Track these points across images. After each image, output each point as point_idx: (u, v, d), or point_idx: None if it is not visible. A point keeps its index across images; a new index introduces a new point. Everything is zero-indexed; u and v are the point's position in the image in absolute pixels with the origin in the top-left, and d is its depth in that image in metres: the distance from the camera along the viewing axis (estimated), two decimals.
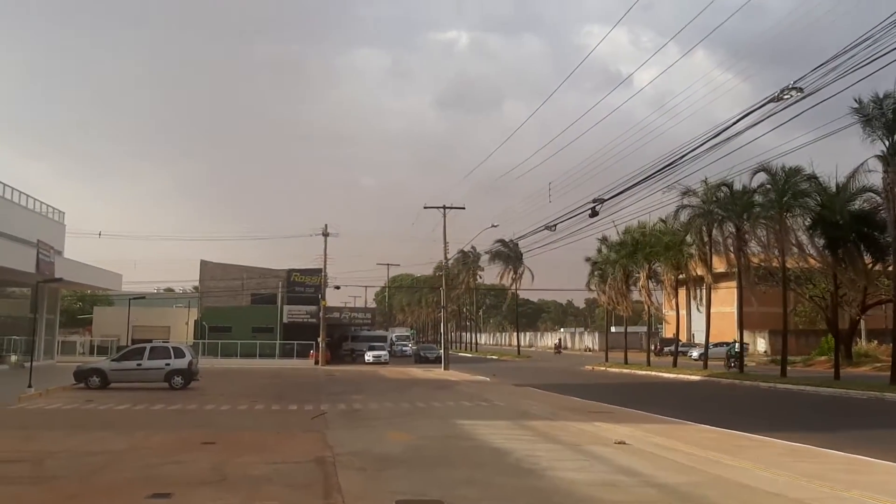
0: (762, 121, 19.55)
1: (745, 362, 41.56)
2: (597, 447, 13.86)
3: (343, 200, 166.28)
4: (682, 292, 52.72)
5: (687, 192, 40.58)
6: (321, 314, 55.01)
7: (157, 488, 9.68)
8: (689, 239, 44.98)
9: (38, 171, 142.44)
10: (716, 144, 21.64)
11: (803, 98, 17.33)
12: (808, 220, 36.10)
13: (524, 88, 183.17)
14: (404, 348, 74.52)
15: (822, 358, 48.19)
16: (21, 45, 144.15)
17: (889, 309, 45.81)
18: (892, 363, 30.45)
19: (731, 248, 40.68)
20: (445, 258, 52.44)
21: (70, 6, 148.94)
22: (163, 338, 54.48)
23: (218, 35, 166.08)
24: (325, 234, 54.70)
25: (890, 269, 35.82)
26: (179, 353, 29.39)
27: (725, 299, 58.67)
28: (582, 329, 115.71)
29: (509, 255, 76.90)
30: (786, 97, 17.44)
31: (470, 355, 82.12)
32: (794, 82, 17.18)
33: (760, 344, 65.01)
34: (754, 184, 37.74)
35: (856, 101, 28.50)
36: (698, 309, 53.65)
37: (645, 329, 63.73)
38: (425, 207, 49.15)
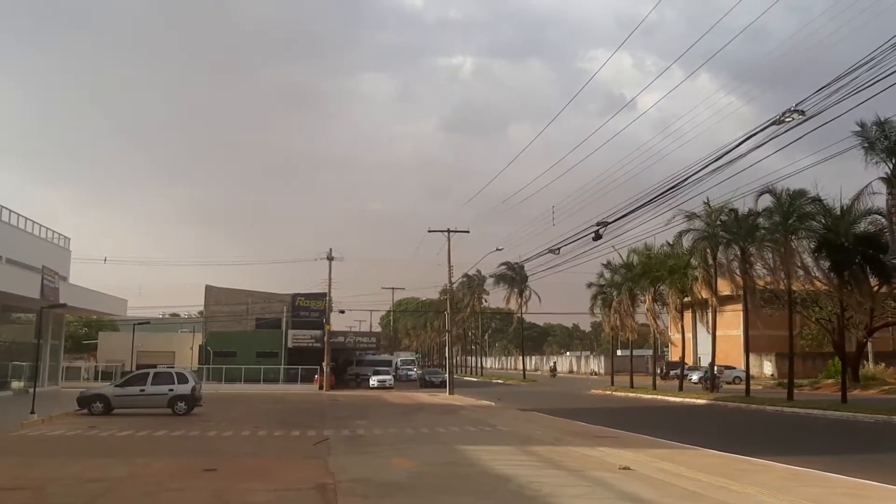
0: (765, 143, 19.55)
1: (751, 385, 41.19)
2: (601, 473, 13.71)
3: (348, 225, 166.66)
4: (688, 315, 52.51)
5: (691, 217, 40.60)
6: (326, 339, 54.89)
7: None
8: (693, 262, 44.85)
9: (46, 198, 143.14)
10: (719, 167, 21.62)
11: (805, 121, 17.34)
12: (814, 242, 35.97)
13: (529, 112, 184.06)
14: (409, 373, 74.29)
15: (830, 381, 47.82)
16: (31, 76, 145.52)
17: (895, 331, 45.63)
18: None
19: (737, 271, 40.56)
20: (450, 282, 52.42)
21: (79, 37, 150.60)
22: (168, 363, 54.40)
23: (226, 62, 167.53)
24: (330, 259, 54.72)
25: None
26: (183, 379, 29.34)
27: (731, 322, 58.36)
28: (588, 352, 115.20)
29: (514, 278, 76.76)
30: (787, 120, 17.43)
31: (475, 379, 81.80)
32: (796, 105, 17.18)
33: (767, 367, 64.56)
34: (759, 206, 37.70)
35: (858, 125, 28.51)
36: (708, 332, 53.42)
37: (651, 352, 63.38)
38: (430, 231, 49.29)
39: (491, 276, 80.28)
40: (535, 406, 34.31)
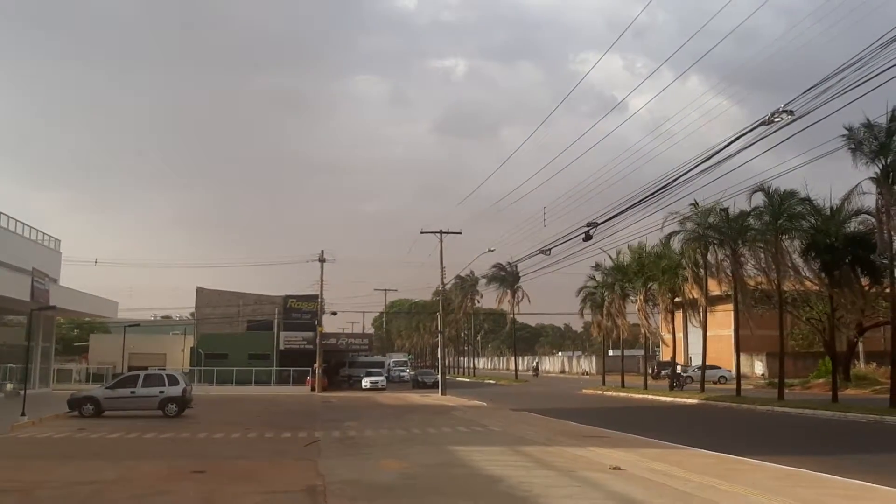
0: (754, 143, 19.59)
1: (742, 385, 41.28)
2: (591, 473, 13.71)
3: (341, 227, 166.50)
4: (679, 315, 52.60)
5: (683, 221, 40.79)
6: (318, 340, 54.77)
7: None
8: (684, 262, 44.94)
9: (37, 201, 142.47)
10: (708, 167, 21.66)
11: (794, 121, 17.37)
12: (804, 242, 36.06)
13: (522, 114, 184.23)
14: (402, 374, 74.20)
15: (820, 380, 47.93)
16: (23, 78, 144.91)
17: (887, 331, 45.71)
18: (892, 386, 30.23)
19: (727, 272, 40.67)
20: (442, 283, 52.44)
21: (71, 40, 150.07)
22: (159, 365, 54.22)
23: (219, 65, 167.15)
24: (322, 260, 54.60)
25: (887, 290, 35.73)
26: (173, 381, 29.24)
27: (723, 322, 58.46)
28: (579, 353, 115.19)
29: (506, 278, 76.76)
30: (777, 120, 17.46)
31: (468, 380, 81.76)
32: (785, 105, 17.23)
33: (758, 367, 64.72)
34: (751, 205, 37.75)
35: (846, 128, 28.58)
36: (698, 327, 53.47)
37: (642, 352, 63.50)
38: (422, 232, 49.28)
39: (483, 277, 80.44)
40: (526, 406, 34.32)
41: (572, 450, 17.27)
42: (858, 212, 33.53)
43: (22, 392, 26.14)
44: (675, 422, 29.16)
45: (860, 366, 52.14)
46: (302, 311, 64.86)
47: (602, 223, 28.21)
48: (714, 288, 45.82)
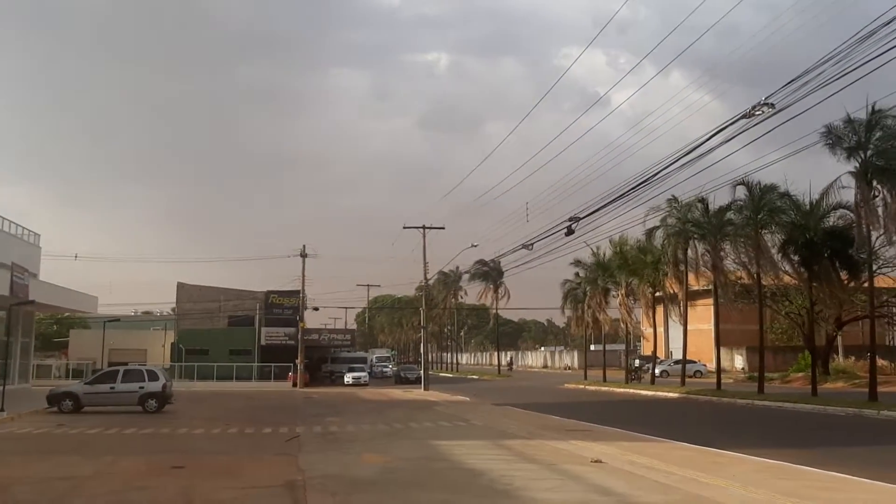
0: (734, 137, 19.66)
1: (722, 379, 41.56)
2: (573, 466, 13.71)
3: (323, 222, 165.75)
4: (660, 310, 52.84)
5: (664, 218, 41.01)
6: (299, 336, 54.56)
7: None
8: (664, 257, 45.14)
9: (16, 195, 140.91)
10: (689, 161, 21.70)
11: (775, 114, 17.43)
12: (783, 237, 36.27)
13: (505, 109, 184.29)
14: (384, 369, 74.03)
15: (800, 374, 48.32)
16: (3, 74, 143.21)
17: (865, 325, 46.19)
18: (870, 379, 30.54)
19: (707, 266, 40.87)
20: (426, 278, 52.32)
21: (47, 34, 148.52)
22: (140, 361, 53.79)
23: (197, 59, 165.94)
24: (304, 256, 54.37)
25: (865, 285, 36.05)
26: (153, 376, 29.04)
27: (703, 316, 58.92)
28: (562, 348, 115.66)
29: (489, 274, 76.84)
30: (757, 113, 17.53)
31: (451, 375, 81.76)
32: (766, 98, 17.30)
33: (738, 360, 65.24)
34: (733, 198, 37.94)
35: (825, 127, 28.73)
36: (680, 322, 53.80)
37: (623, 347, 63.81)
38: (405, 227, 49.19)
39: (466, 273, 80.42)
40: (509, 401, 34.34)
41: (554, 443, 17.28)
42: (837, 206, 33.75)
43: (1, 387, 25.85)
44: (655, 415, 29.27)
45: (839, 360, 52.65)
46: (284, 307, 64.62)
47: (584, 217, 28.26)
48: (694, 283, 46.06)
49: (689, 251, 42.02)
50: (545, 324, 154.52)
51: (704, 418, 27.99)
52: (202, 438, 19.84)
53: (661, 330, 55.10)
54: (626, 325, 53.61)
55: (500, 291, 79.25)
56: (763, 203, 35.70)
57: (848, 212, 33.19)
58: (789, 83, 16.96)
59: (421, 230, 48.77)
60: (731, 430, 23.57)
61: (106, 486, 12.01)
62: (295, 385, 51.47)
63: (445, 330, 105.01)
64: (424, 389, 46.02)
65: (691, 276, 44.40)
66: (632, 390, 44.36)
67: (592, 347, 73.77)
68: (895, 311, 51.29)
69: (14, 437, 20.37)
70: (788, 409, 29.63)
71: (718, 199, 39.00)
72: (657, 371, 55.94)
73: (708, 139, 19.98)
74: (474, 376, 75.52)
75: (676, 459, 14.42)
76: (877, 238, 32.95)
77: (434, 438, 18.87)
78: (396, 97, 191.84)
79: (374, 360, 78.11)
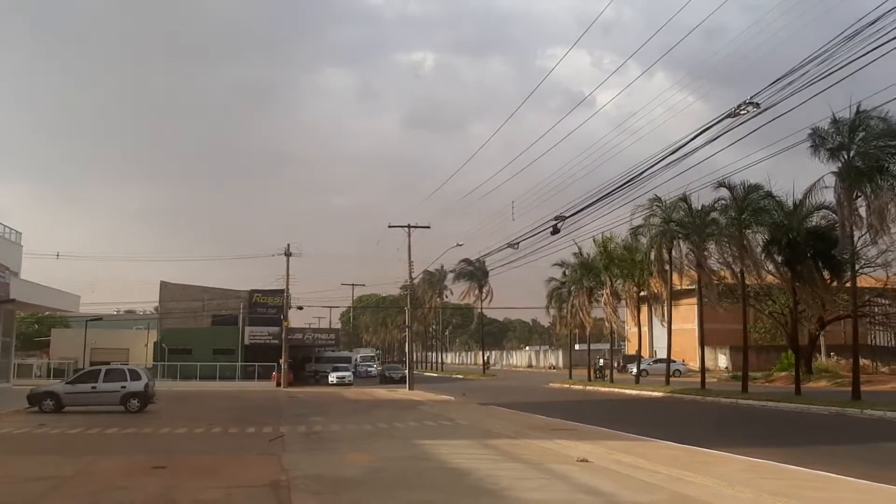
0: (719, 136, 19.70)
1: (706, 378, 41.67)
2: (559, 465, 13.66)
3: (308, 221, 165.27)
4: (644, 309, 52.99)
5: (649, 215, 41.10)
6: (283, 335, 54.28)
7: None
8: (649, 257, 45.23)
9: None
10: (675, 160, 21.73)
11: (760, 113, 17.47)
12: (767, 236, 36.39)
13: (490, 109, 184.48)
14: (369, 369, 73.89)
15: (783, 373, 48.57)
16: None
17: (847, 324, 46.49)
18: (853, 378, 30.71)
19: (691, 266, 40.98)
20: (410, 277, 52.19)
21: (34, 32, 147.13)
22: (122, 360, 53.38)
23: (185, 58, 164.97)
24: (288, 254, 54.07)
25: (848, 285, 36.24)
26: (136, 376, 28.78)
27: (687, 316, 59.14)
28: (546, 347, 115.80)
29: (474, 273, 76.76)
30: (742, 112, 17.55)
31: (436, 375, 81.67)
32: (751, 98, 17.32)
33: (721, 360, 65.47)
34: (713, 202, 38.06)
35: (811, 129, 28.82)
36: (662, 324, 53.99)
37: (608, 346, 63.95)
38: (390, 226, 49.04)
39: (451, 272, 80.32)
40: (494, 400, 34.29)
41: (539, 443, 17.22)
42: (820, 207, 33.91)
43: None
44: (640, 414, 29.32)
45: (822, 359, 52.94)
46: (268, 306, 64.30)
47: (569, 217, 28.26)
48: (678, 282, 46.18)
49: (674, 251, 42.09)
50: (530, 323, 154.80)
51: (689, 417, 28.02)
52: (185, 438, 19.65)
53: (645, 329, 55.26)
54: (611, 324, 53.69)
55: (484, 291, 79.16)
56: (747, 203, 35.82)
57: (831, 212, 33.36)
58: (774, 83, 17.02)
59: (406, 229, 48.64)
60: (717, 429, 23.62)
61: (86, 486, 11.83)
62: (279, 385, 51.21)
63: (430, 329, 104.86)
64: (409, 389, 45.89)
65: (675, 276, 44.51)
66: (616, 389, 44.43)
67: (577, 347, 73.89)
68: (877, 310, 51.61)
69: None
70: (772, 408, 29.74)
71: (703, 199, 39.20)
72: (634, 370, 56.24)
73: (693, 138, 20.04)
74: (459, 376, 75.45)
75: (662, 458, 14.39)
76: (859, 238, 33.15)
77: (419, 438, 18.77)
78: (383, 96, 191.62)
79: (359, 359, 77.95)
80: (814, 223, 35.08)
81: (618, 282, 50.45)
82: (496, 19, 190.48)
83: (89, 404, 27.97)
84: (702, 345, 43.27)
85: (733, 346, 59.42)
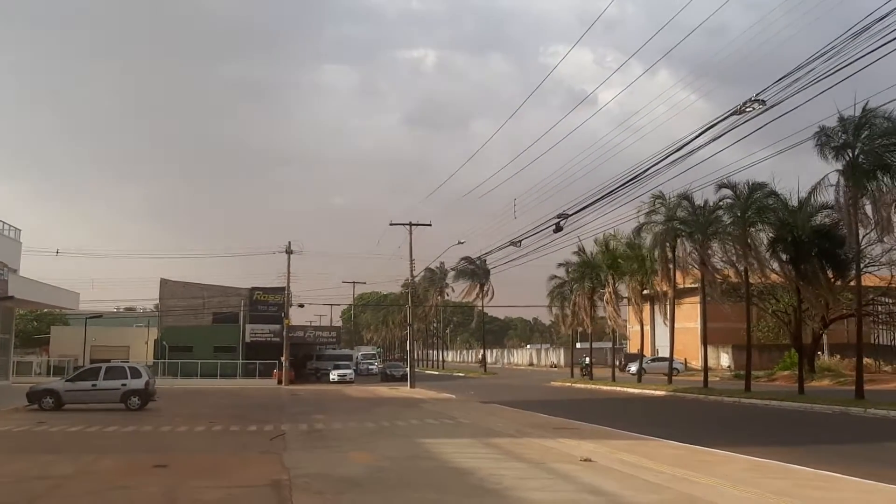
0: (724, 134, 19.57)
1: (709, 377, 41.56)
2: (562, 465, 13.53)
3: (310, 219, 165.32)
4: (646, 308, 52.86)
5: (650, 212, 40.97)
6: (284, 333, 54.21)
7: None
8: (652, 255, 45.11)
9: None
10: (678, 159, 21.60)
11: (765, 110, 17.33)
12: (771, 235, 36.25)
13: (492, 107, 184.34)
14: (370, 367, 73.87)
15: (786, 372, 48.46)
16: None
17: (850, 323, 46.39)
18: (857, 377, 30.58)
19: (695, 264, 40.84)
20: (412, 275, 52.13)
21: (31, 31, 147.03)
22: (122, 358, 53.35)
23: (184, 56, 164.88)
24: (289, 252, 54.02)
25: (852, 283, 36.11)
26: (136, 373, 28.67)
27: (690, 314, 59.02)
28: (548, 345, 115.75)
29: (475, 271, 76.64)
30: (748, 109, 17.41)
31: (437, 373, 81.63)
32: (757, 94, 17.19)
33: (724, 359, 65.40)
34: (717, 200, 37.92)
35: (819, 128, 28.69)
36: (665, 324, 53.91)
37: (610, 345, 63.86)
38: (391, 224, 49.01)
39: (453, 270, 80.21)
40: (496, 399, 34.21)
41: (542, 441, 17.11)
42: (825, 206, 33.74)
43: None
44: (643, 413, 29.19)
45: (824, 358, 52.86)
46: (269, 304, 64.17)
47: (572, 214, 28.14)
48: (681, 281, 46.08)
49: (677, 249, 41.94)
50: (531, 321, 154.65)
51: (692, 416, 27.89)
52: (185, 436, 19.54)
53: (647, 328, 55.16)
54: (613, 322, 53.60)
55: (485, 288, 79.04)
56: (751, 201, 35.68)
57: (833, 212, 33.19)
58: (780, 80, 16.90)
59: (407, 227, 48.56)
60: (720, 428, 23.49)
61: (86, 485, 11.72)
62: (280, 382, 51.18)
63: (431, 327, 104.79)
64: (410, 387, 45.82)
65: (678, 274, 44.38)
66: (619, 388, 44.32)
67: (579, 345, 73.80)
68: (881, 309, 51.54)
69: None
70: (776, 407, 29.62)
71: (706, 197, 39.01)
72: (633, 369, 56.22)
73: (698, 136, 19.90)
74: (460, 374, 75.39)
75: (666, 458, 14.27)
76: (863, 236, 33.03)
77: (421, 436, 18.66)
78: (384, 94, 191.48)
79: (360, 357, 77.94)
80: (818, 222, 34.93)
81: (621, 280, 50.34)
82: (498, 16, 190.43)
83: (89, 402, 27.85)
84: (704, 343, 43.15)
85: (736, 344, 59.32)
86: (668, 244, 42.03)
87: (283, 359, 52.69)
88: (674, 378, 47.79)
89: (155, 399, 29.12)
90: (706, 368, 41.80)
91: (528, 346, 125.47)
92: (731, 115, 18.09)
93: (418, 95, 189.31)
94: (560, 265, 56.33)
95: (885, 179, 28.50)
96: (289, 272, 54.57)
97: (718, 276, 41.70)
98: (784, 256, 35.94)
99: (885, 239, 32.31)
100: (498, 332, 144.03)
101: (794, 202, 34.95)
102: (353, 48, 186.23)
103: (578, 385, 48.91)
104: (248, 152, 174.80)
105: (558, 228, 29.12)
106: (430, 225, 49.68)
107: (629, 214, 39.54)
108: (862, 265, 36.43)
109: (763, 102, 17.07)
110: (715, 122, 19.32)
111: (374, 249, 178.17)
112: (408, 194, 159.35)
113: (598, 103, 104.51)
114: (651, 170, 23.21)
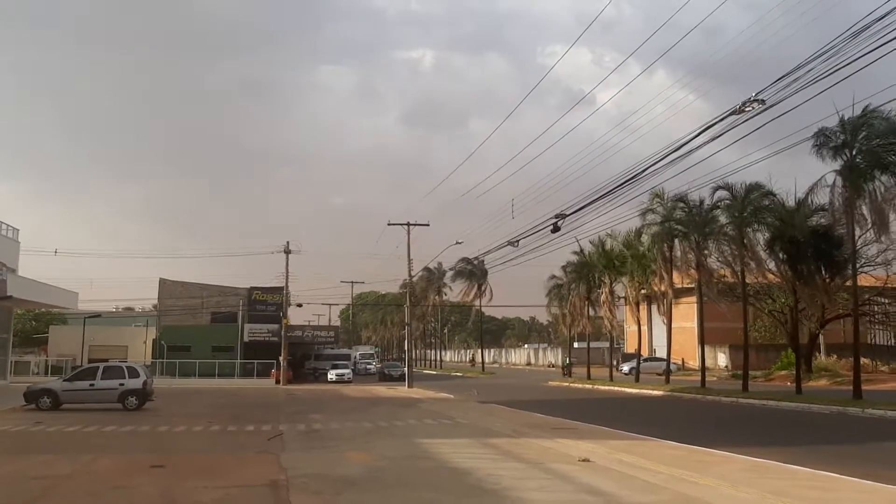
0: (722, 134, 19.56)
1: (706, 377, 41.56)
2: (560, 465, 13.53)
3: (308, 219, 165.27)
4: (644, 308, 52.83)
5: (647, 211, 40.97)
6: (283, 333, 54.18)
7: None
8: (650, 255, 45.10)
9: None
10: (676, 159, 21.59)
11: (765, 110, 17.33)
12: (768, 235, 36.27)
13: (490, 107, 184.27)
14: (368, 366, 73.86)
15: (783, 372, 48.50)
16: None
17: (847, 323, 46.43)
18: (854, 378, 30.60)
19: (692, 264, 40.83)
20: (410, 275, 52.14)
21: (30, 30, 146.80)
22: (120, 357, 53.25)
23: (182, 55, 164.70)
24: (287, 252, 54.02)
25: (848, 283, 36.13)
26: (134, 373, 28.61)
27: (687, 314, 59.02)
28: (545, 345, 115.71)
29: (473, 271, 76.59)
30: (747, 109, 17.40)
31: (434, 372, 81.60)
32: (756, 94, 17.17)
33: (721, 358, 65.39)
34: (714, 200, 37.93)
35: (819, 130, 28.71)
36: (663, 322, 53.89)
37: (607, 345, 63.84)
38: (389, 224, 48.95)
39: (450, 270, 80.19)
40: (494, 398, 34.19)
41: (540, 441, 17.10)
42: (822, 208, 33.72)
43: None
44: (641, 413, 29.20)
45: (821, 358, 52.86)
46: (267, 304, 64.08)
47: (570, 214, 28.13)
48: (678, 281, 46.10)
49: (674, 249, 41.93)
50: (529, 321, 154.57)
51: (690, 416, 27.91)
52: (184, 436, 19.52)
53: (644, 328, 55.15)
54: (610, 322, 53.59)
55: (483, 288, 78.99)
56: (748, 202, 35.71)
57: (830, 212, 33.17)
58: (778, 80, 16.87)
59: (406, 227, 48.52)
60: (718, 428, 23.49)
61: (83, 486, 11.71)
62: (278, 382, 51.15)
63: (429, 327, 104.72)
64: (408, 387, 45.79)
65: (675, 274, 44.38)
66: (616, 388, 44.33)
67: (576, 345, 73.76)
68: (877, 309, 51.57)
69: None
70: (773, 407, 29.64)
71: (703, 197, 38.99)
72: (626, 369, 56.24)
73: (696, 136, 19.88)
74: (458, 373, 75.36)
75: (664, 458, 14.27)
76: (860, 236, 33.03)
77: (419, 436, 18.65)
78: (383, 94, 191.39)
79: (358, 356, 77.88)
80: (815, 222, 34.94)
81: (618, 280, 50.33)
82: (496, 16, 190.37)
83: (87, 402, 27.79)
84: (702, 343, 43.16)
85: (733, 344, 59.40)
86: (666, 243, 42.02)
87: (281, 358, 52.66)
88: (673, 377, 47.81)
89: (153, 399, 29.07)
90: (703, 368, 41.79)
91: (526, 345, 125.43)
92: (730, 114, 18.09)
93: (416, 95, 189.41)
94: (563, 267, 56.29)
95: (882, 178, 28.55)
96: (287, 272, 54.62)
97: (715, 277, 41.70)
98: (781, 256, 35.96)
99: (882, 238, 32.27)
100: (496, 332, 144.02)
101: (792, 202, 34.99)
102: (352, 48, 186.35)
103: (576, 385, 48.91)
104: (247, 152, 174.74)
105: (556, 228, 29.09)
106: (427, 225, 49.71)
107: (628, 214, 39.62)
108: (858, 265, 36.44)
109: (762, 102, 17.04)
110: (714, 121, 19.31)
111: (373, 249, 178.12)
112: (406, 194, 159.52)
113: (595, 103, 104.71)
114: (649, 170, 23.20)
